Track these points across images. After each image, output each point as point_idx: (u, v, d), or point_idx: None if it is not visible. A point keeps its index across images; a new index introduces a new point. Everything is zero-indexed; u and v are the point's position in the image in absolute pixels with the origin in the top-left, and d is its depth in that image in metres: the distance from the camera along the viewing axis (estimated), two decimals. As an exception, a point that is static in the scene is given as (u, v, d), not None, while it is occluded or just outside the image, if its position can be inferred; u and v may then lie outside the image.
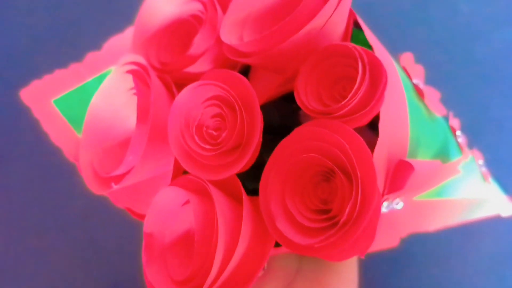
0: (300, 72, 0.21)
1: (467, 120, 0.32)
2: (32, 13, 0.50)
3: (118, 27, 0.28)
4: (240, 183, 0.20)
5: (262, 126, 0.20)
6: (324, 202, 0.19)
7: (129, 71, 0.23)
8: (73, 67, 0.28)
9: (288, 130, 0.26)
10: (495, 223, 0.38)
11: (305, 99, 0.20)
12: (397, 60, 0.27)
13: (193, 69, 0.24)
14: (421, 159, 0.25)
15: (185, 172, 0.22)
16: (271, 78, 0.23)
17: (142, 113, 0.22)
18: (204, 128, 0.20)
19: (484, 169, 0.34)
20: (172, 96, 0.23)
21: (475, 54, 0.45)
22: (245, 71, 0.25)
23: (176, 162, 0.22)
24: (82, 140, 0.24)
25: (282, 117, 0.26)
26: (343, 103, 0.19)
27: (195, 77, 0.23)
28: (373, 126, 0.21)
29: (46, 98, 0.27)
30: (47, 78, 0.27)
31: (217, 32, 0.23)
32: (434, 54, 0.45)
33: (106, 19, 0.47)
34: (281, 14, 0.22)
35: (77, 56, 0.28)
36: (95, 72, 0.28)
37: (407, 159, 0.22)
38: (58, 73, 0.27)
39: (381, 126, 0.20)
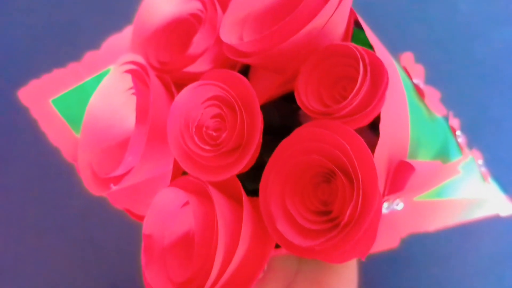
0: (301, 72, 0.20)
1: (466, 120, 0.32)
2: (31, 12, 0.50)
3: (117, 26, 0.28)
4: (240, 184, 0.20)
5: (262, 127, 0.20)
6: (325, 204, 0.19)
7: (128, 71, 0.23)
8: (72, 66, 0.27)
9: (288, 130, 0.26)
10: (494, 223, 0.38)
11: (305, 99, 0.20)
12: (397, 60, 0.27)
13: (192, 68, 0.23)
14: (422, 159, 0.25)
15: (185, 173, 0.22)
16: (271, 78, 0.23)
17: (141, 114, 0.21)
18: (204, 129, 0.20)
19: (483, 169, 0.34)
20: (171, 96, 0.23)
21: (474, 53, 0.45)
22: (245, 70, 0.25)
23: (176, 163, 0.22)
24: (80, 140, 0.24)
25: (282, 117, 0.26)
26: (344, 103, 0.19)
27: (194, 77, 0.23)
28: (373, 126, 0.21)
29: (44, 98, 0.26)
30: (45, 78, 0.27)
31: (217, 31, 0.23)
32: (433, 54, 0.45)
33: (105, 18, 0.47)
34: (281, 13, 0.22)
35: (76, 56, 0.28)
36: (94, 71, 0.28)
37: (408, 160, 0.22)
38: (57, 73, 0.27)
39: (382, 126, 0.20)
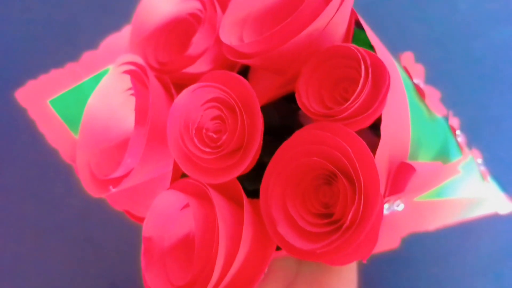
0: (302, 73, 0.20)
1: (466, 119, 0.32)
2: (28, 11, 0.50)
3: (115, 26, 0.28)
4: (240, 187, 0.20)
5: (263, 128, 0.20)
6: (326, 206, 0.19)
7: (126, 72, 0.23)
8: (70, 66, 0.27)
9: (287, 130, 0.26)
10: (493, 222, 0.38)
11: (306, 101, 0.20)
12: (398, 60, 0.27)
13: (192, 69, 0.23)
14: (422, 160, 0.25)
15: (184, 175, 0.22)
16: (271, 79, 0.22)
17: (141, 115, 0.21)
18: (204, 131, 0.20)
19: (483, 168, 0.34)
20: (170, 97, 0.23)
21: (474, 53, 0.45)
22: (244, 71, 0.25)
23: (175, 165, 0.22)
24: (79, 141, 0.24)
25: (281, 117, 0.26)
26: (345, 105, 0.19)
27: (194, 78, 0.23)
28: (373, 126, 0.21)
29: (42, 99, 0.26)
30: (43, 78, 0.26)
31: (216, 31, 0.23)
32: (433, 53, 0.45)
33: (103, 17, 0.47)
34: (282, 14, 0.21)
35: (74, 56, 0.28)
36: (92, 71, 0.27)
37: (409, 161, 0.22)
38: (54, 73, 0.27)
39: (383, 127, 0.20)
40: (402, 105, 0.22)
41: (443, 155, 0.27)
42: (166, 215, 0.21)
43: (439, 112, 0.28)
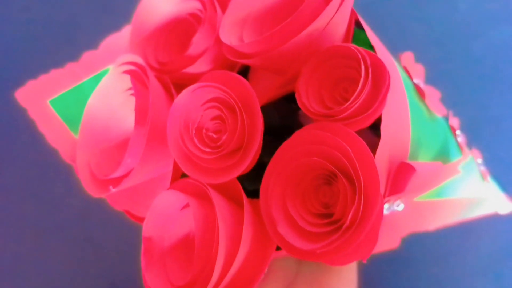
0: (302, 73, 0.20)
1: (465, 119, 0.32)
2: (27, 11, 0.50)
3: (115, 26, 0.28)
4: (240, 187, 0.20)
5: (263, 128, 0.20)
6: (326, 206, 0.19)
7: (126, 72, 0.23)
8: (69, 66, 0.27)
9: (287, 130, 0.26)
10: (493, 222, 0.38)
11: (306, 101, 0.20)
12: (398, 60, 0.27)
13: (192, 69, 0.23)
14: (422, 160, 0.25)
15: (184, 175, 0.22)
16: (271, 79, 0.22)
17: (141, 115, 0.21)
18: (204, 131, 0.20)
19: (483, 168, 0.34)
20: (170, 97, 0.23)
21: (474, 52, 0.45)
22: (244, 71, 0.25)
23: (175, 165, 0.22)
24: (79, 141, 0.24)
25: (281, 117, 0.26)
26: (345, 105, 0.19)
27: (194, 78, 0.23)
28: (373, 127, 0.21)
29: (42, 99, 0.26)
30: (43, 78, 0.26)
31: (216, 31, 0.23)
32: (432, 53, 0.45)
33: (103, 17, 0.47)
34: (282, 14, 0.21)
35: (74, 55, 0.28)
36: (92, 71, 0.27)
37: (409, 161, 0.22)
38: (54, 73, 0.27)
39: (383, 128, 0.20)
40: (402, 105, 0.22)
41: (443, 155, 0.27)
42: (166, 215, 0.20)
43: (439, 112, 0.28)
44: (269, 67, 0.22)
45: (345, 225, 0.18)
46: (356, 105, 0.19)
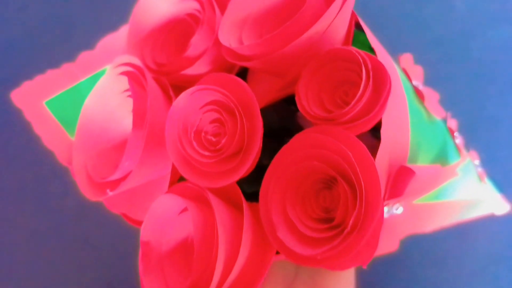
0: (301, 76, 0.20)
1: (462, 119, 0.32)
2: (24, 11, 0.49)
3: (112, 26, 0.28)
4: (240, 191, 0.20)
5: (262, 131, 0.20)
6: (326, 211, 0.19)
7: (124, 73, 0.23)
8: (66, 67, 0.27)
9: (286, 131, 0.26)
10: (490, 223, 0.38)
11: (306, 104, 0.20)
12: (397, 61, 0.27)
13: (190, 71, 0.23)
14: (421, 163, 0.25)
15: (182, 178, 0.22)
16: (270, 82, 0.22)
17: (138, 118, 0.21)
18: (203, 134, 0.20)
19: (480, 169, 0.34)
20: (169, 99, 0.23)
21: (471, 52, 0.45)
22: (243, 72, 0.25)
23: (173, 168, 0.21)
24: (75, 143, 0.23)
25: (280, 119, 0.26)
26: (346, 109, 0.18)
27: (192, 79, 0.23)
28: (372, 129, 0.21)
29: (37, 100, 0.26)
30: (39, 79, 0.26)
31: (215, 33, 0.23)
32: (430, 53, 0.45)
33: (100, 17, 0.46)
34: (282, 15, 0.21)
35: (70, 56, 0.27)
36: (89, 72, 0.27)
37: (408, 165, 0.22)
38: (50, 74, 0.26)
39: (383, 131, 0.20)
40: (402, 108, 0.22)
41: (441, 157, 0.27)
42: (164, 219, 0.20)
43: (438, 114, 0.28)
44: (268, 70, 0.22)
45: (346, 230, 0.17)
46: (357, 109, 0.18)
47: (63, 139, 0.26)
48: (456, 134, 0.30)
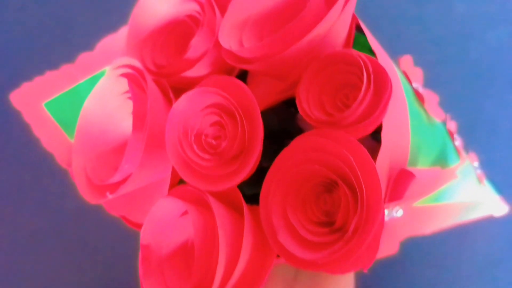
0: (302, 79, 0.20)
1: (461, 121, 0.32)
2: (22, 11, 0.49)
3: (112, 27, 0.27)
4: (240, 194, 0.20)
5: (263, 134, 0.20)
6: (327, 214, 0.19)
7: (124, 75, 0.23)
8: (65, 68, 0.27)
9: (286, 133, 0.26)
10: (489, 225, 0.38)
11: (307, 106, 0.20)
12: (396, 63, 0.27)
13: (190, 73, 0.23)
14: (421, 165, 0.25)
15: (182, 181, 0.21)
16: (271, 84, 0.22)
17: (138, 120, 0.21)
18: (203, 137, 0.20)
19: (479, 171, 0.34)
20: (169, 101, 0.23)
21: (470, 54, 0.45)
22: (243, 74, 0.25)
23: (173, 171, 0.21)
24: (74, 145, 0.23)
25: (280, 121, 0.26)
26: (347, 112, 0.18)
27: (192, 81, 0.23)
28: (373, 132, 0.21)
29: (36, 101, 0.26)
30: (38, 80, 0.26)
31: (215, 35, 0.22)
32: (428, 54, 0.45)
33: (99, 18, 0.46)
34: (282, 17, 0.21)
35: (69, 57, 0.27)
36: (88, 73, 0.27)
37: (408, 168, 0.22)
38: (49, 75, 0.26)
39: (384, 134, 0.20)
40: (402, 111, 0.22)
41: (441, 160, 0.27)
42: (164, 222, 0.20)
43: (437, 116, 0.28)
44: (269, 73, 0.21)
45: (347, 234, 0.17)
46: (358, 112, 0.18)
47: (63, 141, 0.26)
48: (455, 136, 0.30)
